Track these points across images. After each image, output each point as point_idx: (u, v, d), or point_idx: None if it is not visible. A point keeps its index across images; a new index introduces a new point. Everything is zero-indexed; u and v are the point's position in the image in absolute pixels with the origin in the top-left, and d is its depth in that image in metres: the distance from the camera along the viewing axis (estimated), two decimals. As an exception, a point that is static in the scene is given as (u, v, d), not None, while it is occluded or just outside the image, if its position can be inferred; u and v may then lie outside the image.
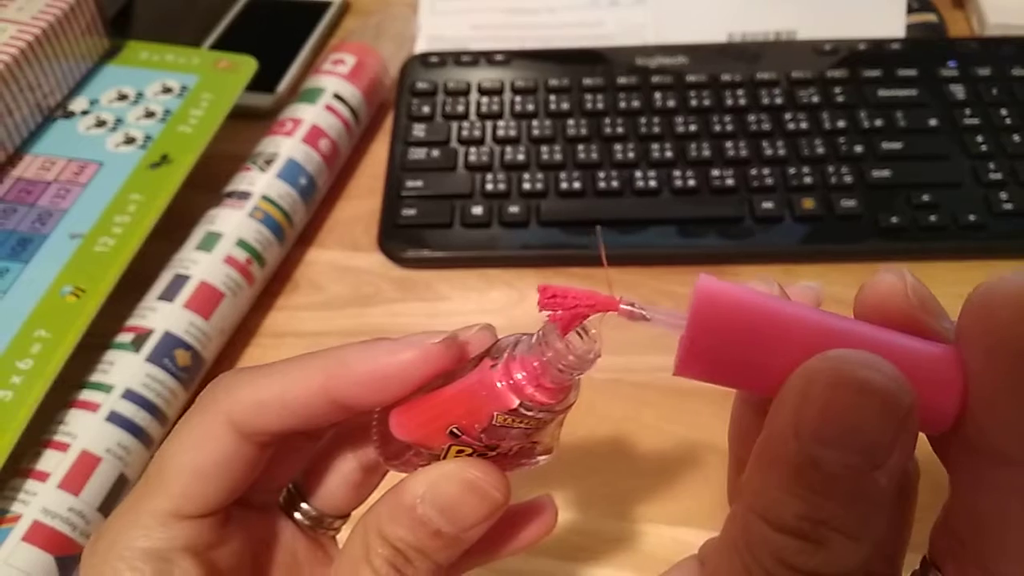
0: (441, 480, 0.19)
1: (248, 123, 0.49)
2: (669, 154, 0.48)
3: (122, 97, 0.45)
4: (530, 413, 0.18)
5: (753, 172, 0.47)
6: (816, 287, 0.20)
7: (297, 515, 0.23)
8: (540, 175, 0.47)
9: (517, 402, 0.18)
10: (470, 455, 0.19)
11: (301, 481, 0.24)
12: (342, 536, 0.24)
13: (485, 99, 0.52)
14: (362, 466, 0.23)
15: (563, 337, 0.18)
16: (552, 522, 0.23)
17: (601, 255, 0.18)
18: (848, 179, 0.46)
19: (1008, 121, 0.48)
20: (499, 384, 0.18)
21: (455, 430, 0.19)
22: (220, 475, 0.20)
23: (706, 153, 0.48)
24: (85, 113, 0.44)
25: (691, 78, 0.52)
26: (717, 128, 0.49)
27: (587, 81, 0.52)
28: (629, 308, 0.17)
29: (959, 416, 0.16)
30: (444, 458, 0.19)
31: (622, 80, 0.52)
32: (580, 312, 0.17)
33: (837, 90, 0.50)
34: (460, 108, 0.51)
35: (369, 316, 0.44)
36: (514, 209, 0.46)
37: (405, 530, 0.19)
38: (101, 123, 0.44)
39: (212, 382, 0.21)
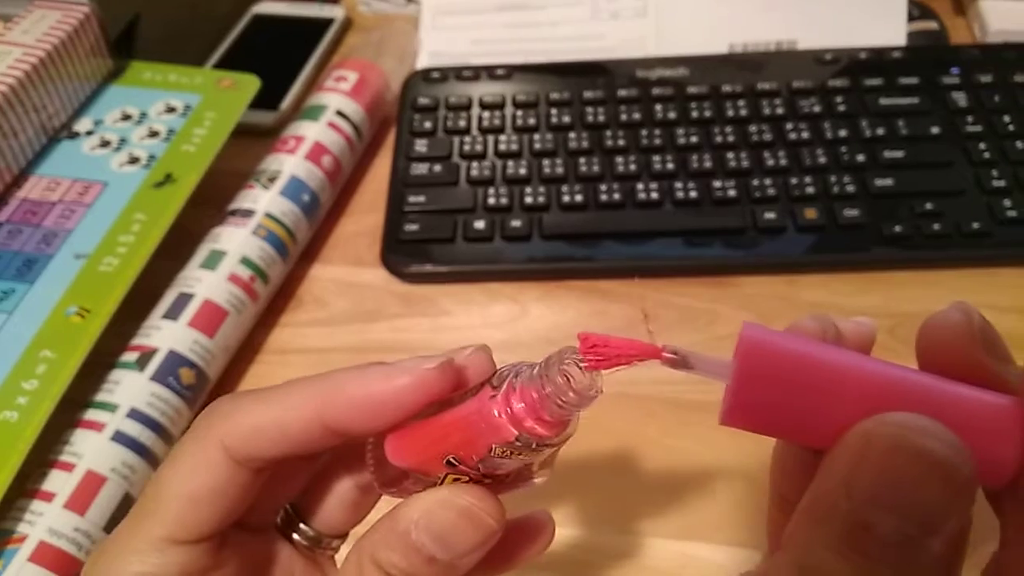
0: (435, 507, 0.18)
1: (251, 141, 0.50)
2: (671, 166, 0.48)
3: (126, 117, 0.45)
4: (529, 446, 0.18)
5: (755, 183, 0.47)
6: (870, 323, 0.20)
7: (295, 536, 0.23)
8: (542, 188, 0.47)
9: (515, 434, 0.18)
10: (467, 482, 0.19)
11: (298, 502, 0.24)
12: (340, 555, 0.24)
13: (486, 113, 0.52)
14: (359, 486, 0.23)
15: (563, 372, 0.17)
16: (549, 539, 0.23)
17: (645, 319, 0.18)
18: (851, 188, 0.46)
19: (1011, 128, 0.48)
20: (497, 414, 0.18)
21: (452, 459, 0.18)
22: (214, 501, 0.20)
23: (708, 164, 0.48)
24: (89, 133, 0.45)
25: (692, 89, 0.52)
26: (718, 139, 0.49)
27: (588, 94, 0.52)
28: (672, 356, 0.17)
29: (1018, 471, 0.16)
30: (440, 484, 0.19)
31: (623, 92, 0.52)
32: (622, 362, 0.17)
33: (838, 99, 0.50)
34: (462, 123, 0.51)
35: (373, 332, 0.44)
36: (516, 223, 0.46)
37: (399, 556, 0.18)
38: (105, 143, 0.44)
39: (207, 407, 0.21)
